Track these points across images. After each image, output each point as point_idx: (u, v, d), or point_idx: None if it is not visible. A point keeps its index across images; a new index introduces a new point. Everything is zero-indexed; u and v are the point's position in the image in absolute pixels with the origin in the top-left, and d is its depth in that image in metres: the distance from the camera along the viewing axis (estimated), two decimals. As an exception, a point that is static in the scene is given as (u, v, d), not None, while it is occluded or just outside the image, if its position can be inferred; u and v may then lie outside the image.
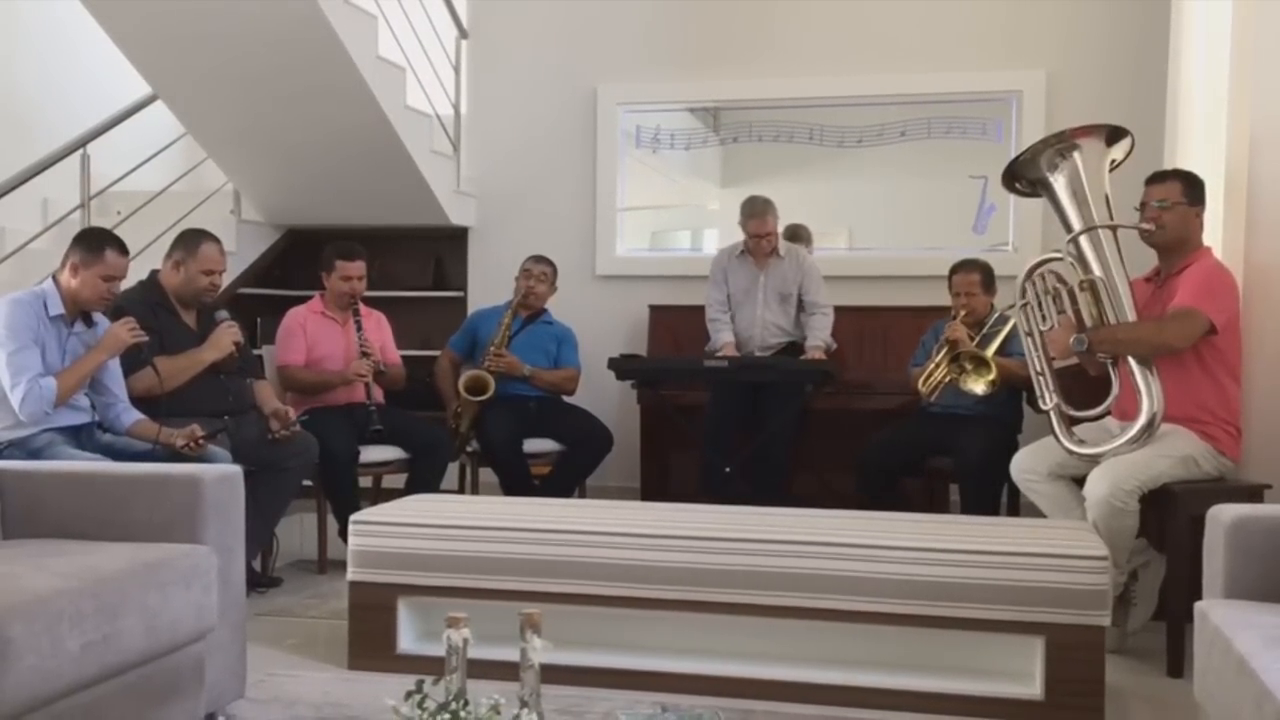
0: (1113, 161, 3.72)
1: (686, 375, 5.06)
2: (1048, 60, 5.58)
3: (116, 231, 3.87)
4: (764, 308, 5.16)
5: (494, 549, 3.21)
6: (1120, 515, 3.36)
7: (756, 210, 5.08)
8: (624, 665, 3.13)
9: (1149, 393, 3.46)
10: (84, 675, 2.21)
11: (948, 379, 4.43)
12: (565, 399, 5.22)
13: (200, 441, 3.73)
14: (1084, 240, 3.61)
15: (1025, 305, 3.71)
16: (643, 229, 6.28)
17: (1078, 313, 3.64)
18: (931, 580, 2.97)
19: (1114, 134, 3.69)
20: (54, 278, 3.70)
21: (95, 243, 3.69)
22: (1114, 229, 3.61)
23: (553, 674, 2.18)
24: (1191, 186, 3.62)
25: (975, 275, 4.59)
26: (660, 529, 3.18)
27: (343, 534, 3.92)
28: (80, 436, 3.67)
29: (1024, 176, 3.78)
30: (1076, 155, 3.66)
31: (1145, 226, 3.62)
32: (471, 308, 5.86)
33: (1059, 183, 3.69)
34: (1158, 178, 3.70)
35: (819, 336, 5.08)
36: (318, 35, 4.67)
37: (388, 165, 5.46)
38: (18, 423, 3.53)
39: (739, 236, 5.28)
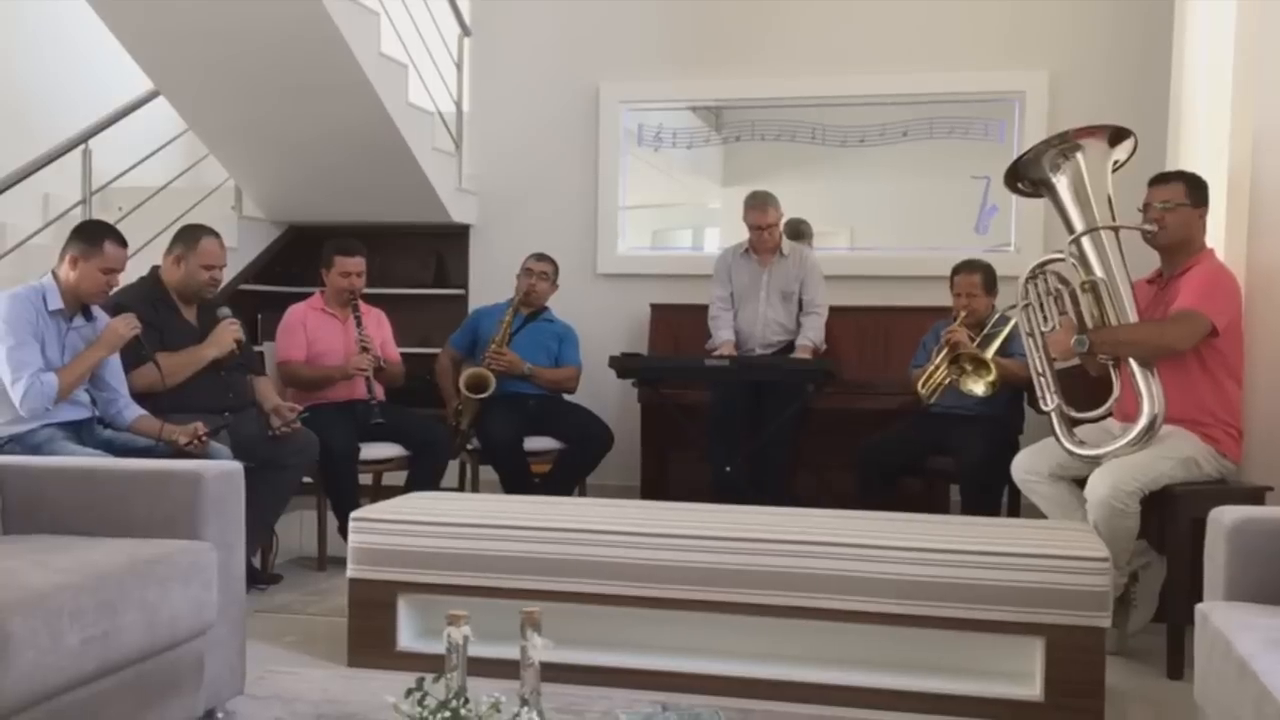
0: (1115, 162, 3.72)
1: (687, 374, 5.05)
2: (1051, 61, 5.57)
3: (118, 227, 3.86)
4: (766, 306, 5.15)
5: (494, 547, 3.21)
6: (1121, 516, 3.36)
7: (757, 202, 5.09)
8: (624, 664, 3.13)
9: (1150, 394, 3.46)
10: (83, 671, 2.21)
11: (947, 380, 4.42)
12: (566, 397, 5.22)
13: (203, 439, 3.72)
14: (1086, 241, 3.61)
15: (1027, 306, 3.70)
16: (644, 227, 6.28)
17: (1079, 314, 3.64)
18: (931, 580, 2.97)
19: (1117, 135, 3.69)
20: (53, 272, 3.70)
21: (94, 235, 3.68)
22: (1116, 230, 3.61)
23: (553, 672, 2.18)
24: (1195, 188, 3.62)
25: (976, 276, 4.59)
26: (660, 528, 3.17)
27: (343, 531, 3.92)
28: (80, 432, 3.66)
29: (1026, 177, 3.78)
30: (1079, 156, 3.66)
31: (1148, 228, 3.62)
32: (472, 305, 5.86)
33: (1061, 183, 3.69)
34: (1161, 179, 3.70)
35: (808, 336, 5.09)
36: (320, 32, 4.67)
37: (389, 162, 5.46)
38: (18, 418, 3.53)
39: (740, 235, 5.29)
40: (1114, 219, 3.62)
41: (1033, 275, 3.71)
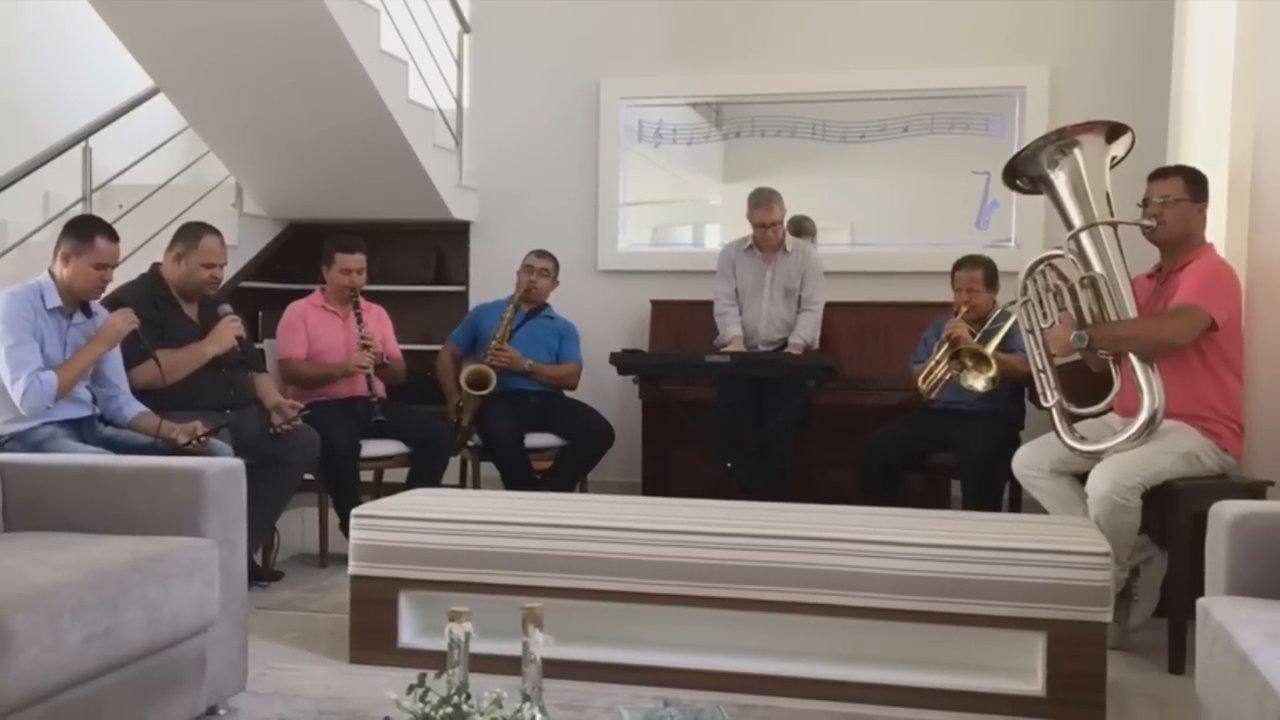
0: (1113, 158, 3.70)
1: (688, 370, 5.06)
2: (1051, 56, 5.57)
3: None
4: (769, 302, 5.16)
5: (496, 543, 3.21)
6: (1122, 511, 3.36)
7: (761, 200, 5.08)
8: (626, 660, 3.13)
9: (1150, 389, 3.46)
10: (85, 668, 2.21)
11: (948, 376, 4.42)
12: (567, 394, 5.21)
13: (202, 439, 3.72)
14: (1085, 237, 3.60)
15: (1026, 302, 3.70)
16: (644, 224, 6.28)
17: (1078, 310, 3.63)
18: (933, 576, 2.97)
19: (1114, 130, 3.68)
20: (50, 270, 3.69)
21: (85, 231, 3.67)
22: (1115, 225, 3.60)
23: (555, 668, 2.18)
24: (1194, 183, 3.62)
25: (978, 272, 4.59)
26: (662, 524, 3.17)
27: (344, 528, 3.92)
28: (81, 429, 3.66)
29: (1025, 173, 3.77)
30: (1077, 152, 3.64)
31: (1146, 223, 3.62)
32: (473, 302, 5.86)
33: (1060, 180, 3.67)
34: (1160, 174, 3.70)
35: (801, 335, 5.09)
36: (320, 29, 4.66)
37: (390, 159, 5.45)
38: (18, 416, 3.52)
39: (740, 231, 5.29)
40: (1112, 214, 3.61)
41: (1032, 272, 3.70)
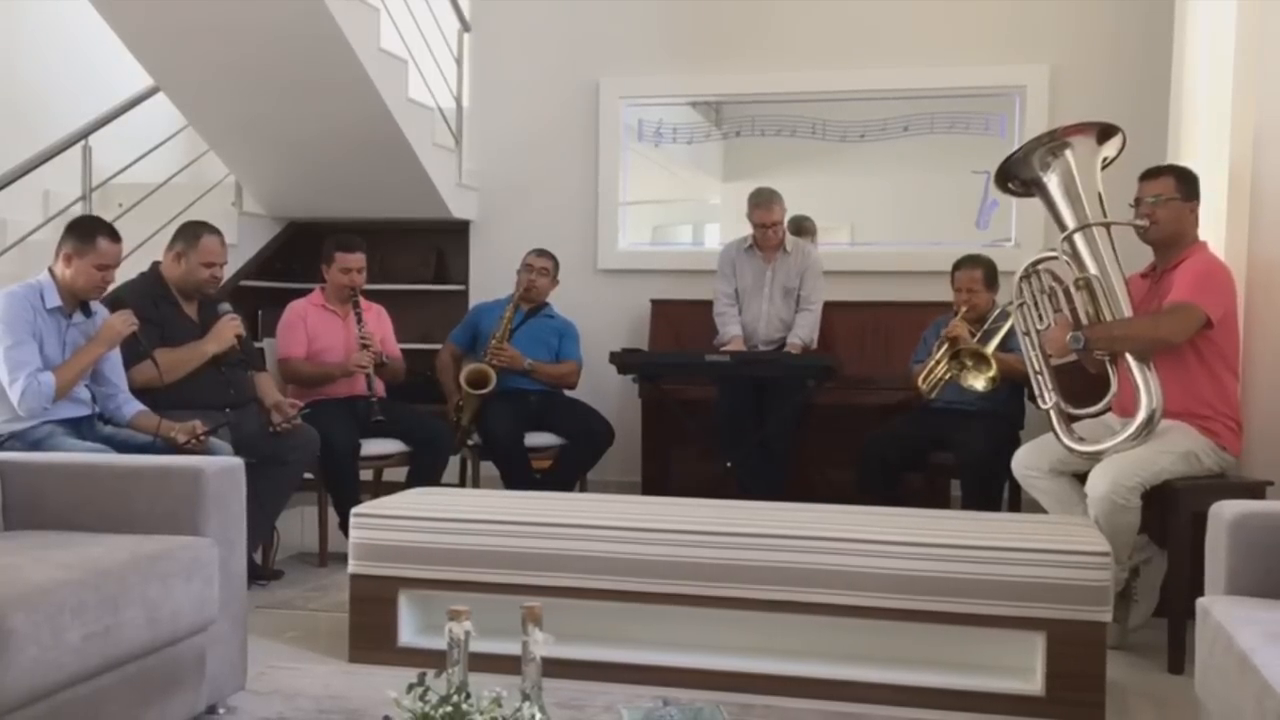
0: (1105, 159, 3.70)
1: (688, 369, 5.05)
2: (1051, 55, 5.57)
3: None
4: (769, 302, 5.16)
5: (495, 542, 3.21)
6: (1122, 511, 3.36)
7: (762, 200, 5.08)
8: (625, 659, 3.13)
9: (1148, 389, 3.46)
10: (85, 667, 2.21)
11: (948, 376, 4.43)
12: (566, 393, 5.21)
13: (201, 438, 3.72)
14: (1078, 238, 3.60)
15: (1022, 305, 3.70)
16: (644, 223, 6.28)
17: (1074, 311, 3.63)
18: (932, 575, 2.97)
19: (1105, 131, 3.67)
20: (50, 270, 3.69)
21: (87, 231, 3.67)
22: (1108, 226, 3.60)
23: (554, 668, 2.18)
24: (1185, 181, 3.61)
25: (978, 272, 4.59)
26: (661, 523, 3.17)
27: (344, 527, 3.92)
28: (81, 428, 3.66)
29: (1017, 176, 3.77)
30: (1068, 153, 3.64)
31: (1139, 223, 3.61)
32: (473, 301, 5.86)
33: (1052, 182, 3.67)
34: (1151, 174, 3.69)
35: (799, 335, 5.09)
36: (320, 27, 4.66)
37: (389, 158, 5.45)
38: (18, 415, 3.52)
39: (740, 231, 5.29)
40: (1105, 215, 3.61)
41: (1026, 274, 3.69)
